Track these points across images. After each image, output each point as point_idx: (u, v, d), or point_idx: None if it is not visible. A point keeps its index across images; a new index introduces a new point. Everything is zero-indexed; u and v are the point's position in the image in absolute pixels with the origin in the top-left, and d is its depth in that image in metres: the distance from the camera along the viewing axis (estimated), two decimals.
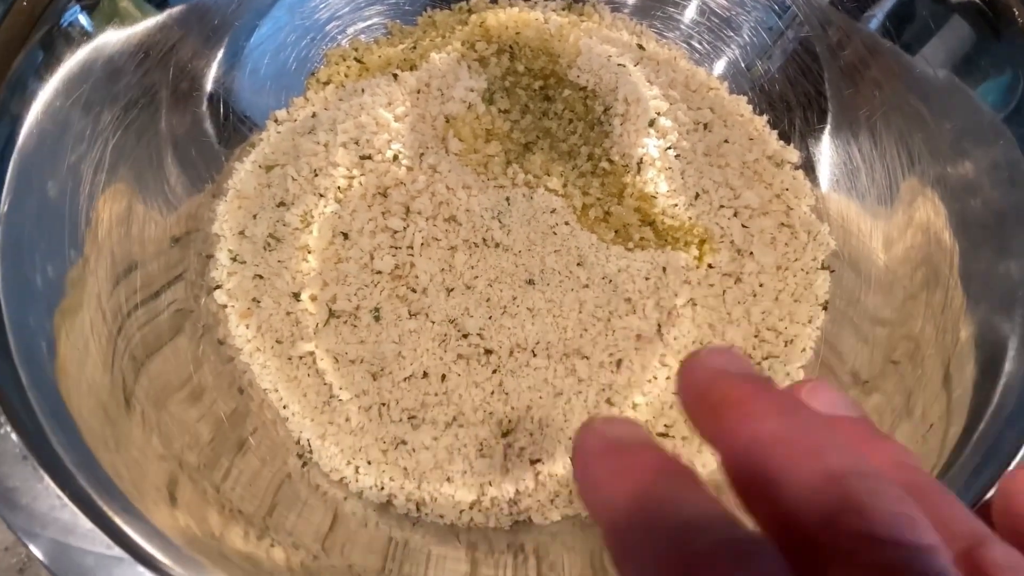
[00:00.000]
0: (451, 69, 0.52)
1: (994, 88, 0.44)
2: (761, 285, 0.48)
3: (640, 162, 0.49)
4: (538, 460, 0.43)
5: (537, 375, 0.44)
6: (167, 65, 0.46)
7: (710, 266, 0.48)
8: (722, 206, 0.49)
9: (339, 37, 0.55)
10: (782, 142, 0.53)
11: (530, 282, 0.45)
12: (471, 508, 0.43)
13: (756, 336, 0.47)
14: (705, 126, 0.52)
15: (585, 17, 0.57)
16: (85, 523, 0.29)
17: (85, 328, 0.38)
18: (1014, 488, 0.19)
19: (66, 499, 0.30)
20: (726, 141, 0.51)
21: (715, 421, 0.17)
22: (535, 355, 0.44)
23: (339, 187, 0.47)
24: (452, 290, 0.45)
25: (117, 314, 0.40)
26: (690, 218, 0.49)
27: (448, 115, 0.50)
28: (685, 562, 0.14)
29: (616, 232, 0.48)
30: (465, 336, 0.44)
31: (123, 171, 0.43)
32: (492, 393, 0.44)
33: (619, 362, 0.45)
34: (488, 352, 0.44)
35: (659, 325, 0.46)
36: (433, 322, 0.44)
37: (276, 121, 0.52)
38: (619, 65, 0.52)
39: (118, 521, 0.31)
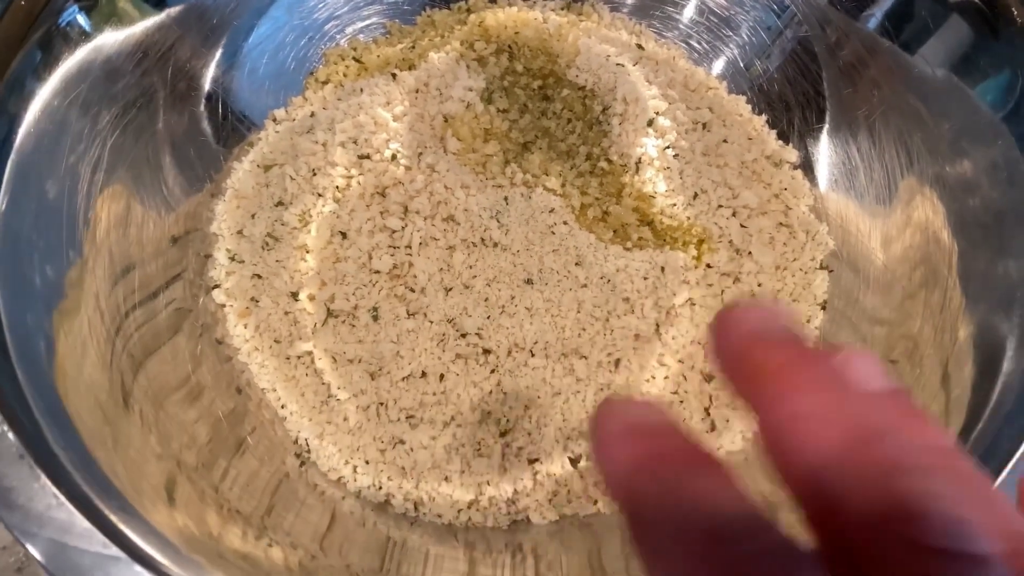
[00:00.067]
0: (450, 69, 0.52)
1: (993, 87, 0.44)
2: (760, 285, 0.48)
3: (639, 162, 0.49)
4: (536, 460, 0.43)
5: (535, 375, 0.44)
6: (165, 65, 0.46)
7: (708, 266, 0.48)
8: (720, 206, 0.49)
9: (338, 37, 0.55)
10: (781, 142, 0.53)
11: (528, 282, 0.45)
12: (469, 508, 0.43)
13: None
14: (704, 126, 0.52)
15: (584, 17, 0.57)
16: (82, 522, 0.29)
17: (83, 328, 0.38)
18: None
19: (63, 498, 0.30)
20: (725, 141, 0.51)
21: (752, 389, 0.16)
22: (533, 355, 0.44)
23: (337, 186, 0.47)
24: (450, 290, 0.45)
25: (115, 314, 0.40)
26: (688, 218, 0.49)
27: (447, 115, 0.50)
28: (721, 571, 0.14)
29: (614, 232, 0.48)
30: (463, 336, 0.44)
31: (121, 171, 0.43)
32: (490, 393, 0.44)
33: (617, 362, 0.45)
34: (486, 352, 0.44)
35: (657, 325, 0.46)
36: (431, 322, 0.44)
37: (275, 120, 0.52)
38: (618, 65, 0.52)
39: (115, 520, 0.31)
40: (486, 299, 0.45)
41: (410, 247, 0.46)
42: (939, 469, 0.14)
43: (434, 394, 0.44)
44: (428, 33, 0.55)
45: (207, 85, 0.49)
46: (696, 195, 0.49)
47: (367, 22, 0.55)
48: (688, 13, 0.56)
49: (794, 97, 0.53)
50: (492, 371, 0.44)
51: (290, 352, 0.45)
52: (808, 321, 0.48)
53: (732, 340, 0.17)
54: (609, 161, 0.50)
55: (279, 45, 0.52)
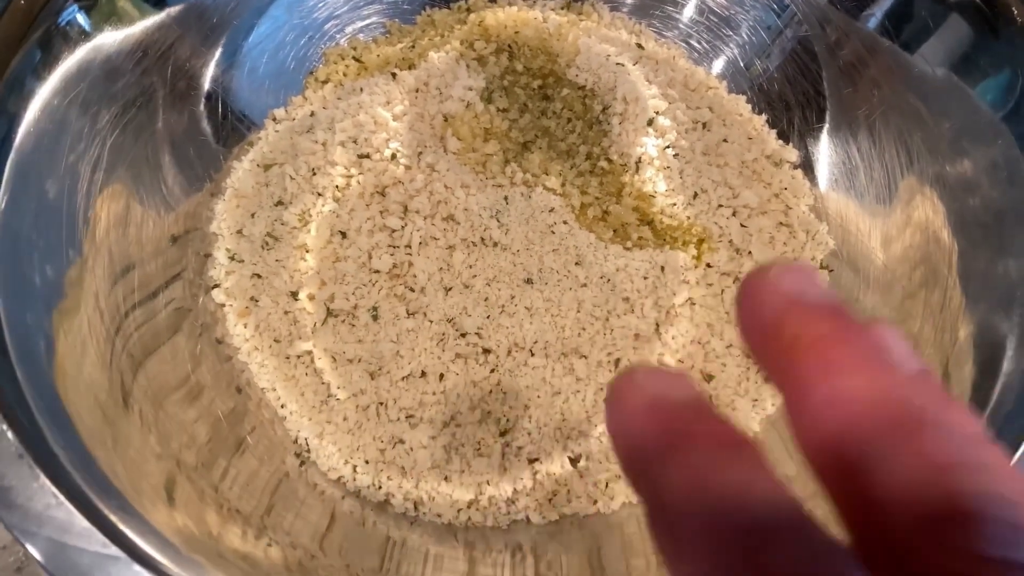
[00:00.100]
0: (450, 68, 0.52)
1: (993, 87, 0.44)
2: None
3: (639, 161, 0.49)
4: (536, 459, 0.43)
5: (535, 374, 0.44)
6: (165, 64, 0.46)
7: (708, 265, 0.48)
8: (720, 205, 0.49)
9: (338, 36, 0.55)
10: (781, 141, 0.53)
11: (528, 281, 0.45)
12: (469, 507, 0.43)
13: None
14: (704, 125, 0.52)
15: (584, 16, 0.57)
16: (81, 522, 0.29)
17: (83, 327, 0.38)
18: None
19: (62, 498, 0.30)
20: (725, 140, 0.51)
21: (785, 365, 0.15)
22: (533, 354, 0.44)
23: (337, 186, 0.47)
24: (450, 289, 0.45)
25: (115, 313, 0.40)
26: (688, 217, 0.49)
27: (446, 114, 0.50)
28: (757, 573, 0.12)
29: (614, 231, 0.48)
30: (463, 335, 0.44)
31: (121, 170, 0.43)
32: (490, 392, 0.44)
33: (617, 361, 0.45)
34: (486, 351, 0.44)
35: (657, 324, 0.46)
36: (431, 321, 0.44)
37: (274, 120, 0.52)
38: (618, 64, 0.52)
39: (115, 520, 0.31)
40: (486, 299, 0.45)
41: (410, 246, 0.46)
42: (990, 467, 0.13)
43: (434, 394, 0.44)
44: (428, 32, 0.55)
45: (207, 84, 0.49)
46: (696, 195, 0.49)
47: (367, 21, 0.55)
48: (688, 12, 0.56)
49: (794, 97, 0.53)
50: (492, 371, 0.44)
51: (290, 352, 0.45)
52: None
53: (764, 306, 0.15)
54: (609, 160, 0.50)
55: (279, 44, 0.52)
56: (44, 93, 0.39)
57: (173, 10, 0.46)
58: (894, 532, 0.12)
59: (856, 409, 0.13)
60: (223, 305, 0.47)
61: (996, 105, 0.43)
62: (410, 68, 0.52)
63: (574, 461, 0.43)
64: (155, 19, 0.45)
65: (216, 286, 0.47)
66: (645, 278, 0.46)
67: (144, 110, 0.45)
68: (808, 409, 0.14)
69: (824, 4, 0.51)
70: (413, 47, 0.54)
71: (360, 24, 0.55)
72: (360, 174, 0.47)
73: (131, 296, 0.42)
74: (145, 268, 0.43)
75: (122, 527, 0.31)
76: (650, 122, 0.50)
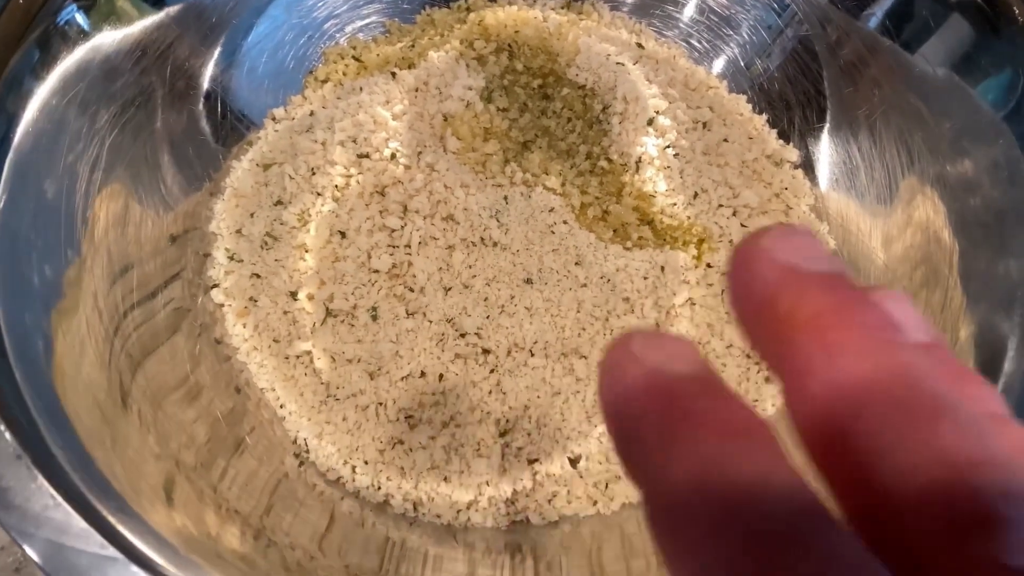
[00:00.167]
0: (449, 67, 0.51)
1: (994, 86, 0.44)
2: None
3: (639, 161, 0.49)
4: (536, 460, 0.43)
5: (535, 374, 0.44)
6: (164, 64, 0.46)
7: (709, 265, 0.48)
8: (721, 205, 0.49)
9: (337, 35, 0.55)
10: (781, 141, 0.53)
11: (528, 281, 0.45)
12: (468, 508, 0.43)
13: None
14: (704, 125, 0.51)
15: (584, 15, 0.57)
16: (79, 523, 0.29)
17: (82, 327, 0.38)
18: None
19: (60, 499, 0.29)
20: (725, 140, 0.51)
21: (780, 346, 0.13)
22: (533, 354, 0.44)
23: (337, 186, 0.47)
24: (450, 289, 0.45)
25: (114, 313, 0.40)
26: (689, 217, 0.49)
27: (446, 113, 0.50)
28: None
29: (614, 231, 0.48)
30: (463, 335, 0.44)
31: (120, 170, 0.43)
32: (490, 393, 0.44)
33: None
34: (486, 352, 0.44)
35: (657, 324, 0.45)
36: (431, 321, 0.44)
37: (274, 119, 0.52)
38: (618, 64, 0.52)
39: (113, 521, 0.31)
40: (485, 299, 0.45)
41: (409, 246, 0.46)
42: (1014, 459, 0.11)
43: (433, 394, 0.44)
44: (428, 32, 0.55)
45: (206, 84, 0.49)
46: (696, 194, 0.49)
47: (366, 21, 0.55)
48: (688, 12, 0.56)
49: (795, 96, 0.53)
50: (491, 371, 0.44)
51: (289, 352, 0.45)
52: None
53: (757, 277, 0.13)
54: (609, 160, 0.50)
55: (278, 44, 0.52)
56: (43, 93, 0.39)
57: (172, 9, 0.46)
58: (908, 538, 0.11)
59: (859, 395, 0.12)
60: (222, 305, 0.47)
61: (997, 105, 0.43)
62: (410, 67, 0.52)
63: (574, 462, 0.43)
64: (154, 19, 0.45)
65: (215, 286, 0.47)
66: (645, 278, 0.46)
67: (143, 110, 0.44)
68: (807, 396, 0.12)
69: (825, 3, 0.51)
70: (413, 46, 0.54)
71: (360, 23, 0.55)
72: (359, 174, 0.47)
73: (130, 296, 0.42)
74: (144, 268, 0.43)
75: (120, 528, 0.31)
76: (650, 122, 0.50)
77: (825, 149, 0.52)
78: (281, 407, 0.45)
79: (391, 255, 0.45)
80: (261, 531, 0.37)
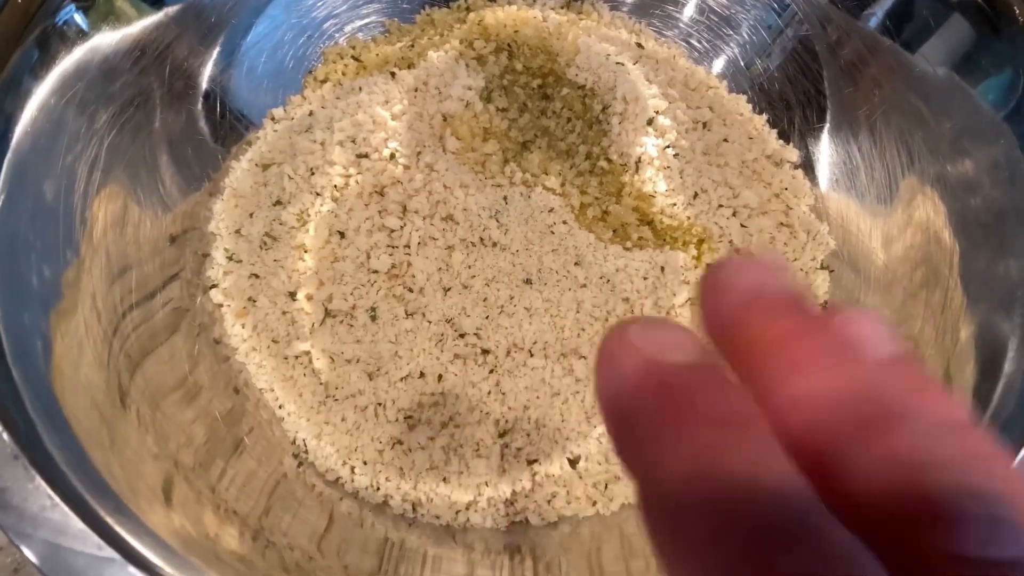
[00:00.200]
0: (449, 67, 0.51)
1: (994, 86, 0.44)
2: None
3: (638, 161, 0.49)
4: (535, 460, 0.43)
5: (534, 375, 0.44)
6: (163, 64, 0.46)
7: (708, 266, 0.48)
8: (721, 205, 0.49)
9: (337, 35, 0.54)
10: (781, 141, 0.53)
11: (527, 281, 0.45)
12: (467, 509, 0.43)
13: None
14: (704, 125, 0.51)
15: (584, 15, 0.57)
16: (76, 523, 0.29)
17: (80, 328, 0.38)
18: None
19: (57, 499, 0.29)
20: (725, 140, 0.51)
21: (750, 365, 0.14)
22: (532, 355, 0.44)
23: (336, 186, 0.47)
24: (449, 289, 0.45)
25: (113, 314, 0.40)
26: (688, 217, 0.48)
27: (446, 113, 0.50)
28: None
29: (614, 231, 0.48)
30: (462, 336, 0.44)
31: (118, 170, 0.43)
32: (489, 393, 0.44)
33: None
34: (485, 352, 0.44)
35: None
36: (430, 322, 0.44)
37: (273, 119, 0.52)
38: (618, 64, 0.52)
39: (111, 522, 0.30)
40: (485, 299, 0.45)
41: (408, 247, 0.45)
42: (968, 459, 0.12)
43: (432, 394, 0.43)
44: (427, 32, 0.55)
45: (205, 84, 0.49)
46: (696, 195, 0.49)
47: (366, 20, 0.55)
48: (688, 12, 0.56)
49: (795, 96, 0.53)
50: (491, 371, 0.44)
51: (288, 352, 0.45)
52: None
53: (723, 304, 0.14)
54: (609, 160, 0.50)
55: (277, 43, 0.52)
56: (41, 93, 0.39)
57: (171, 9, 0.46)
58: (871, 536, 0.12)
59: (821, 409, 0.13)
60: (221, 305, 0.47)
61: (997, 105, 0.43)
62: (409, 67, 0.52)
63: (573, 462, 0.43)
64: (153, 19, 0.45)
65: (214, 286, 0.47)
66: (645, 278, 0.46)
67: (142, 110, 0.44)
68: (772, 413, 0.13)
69: (825, 3, 0.51)
70: (412, 46, 0.54)
71: (359, 23, 0.55)
72: (359, 174, 0.47)
73: (128, 296, 0.42)
74: (143, 268, 0.43)
75: (118, 529, 0.30)
76: (650, 122, 0.50)
77: (825, 149, 0.52)
78: (280, 407, 0.45)
79: (390, 255, 0.45)
80: (260, 532, 0.37)
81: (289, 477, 0.42)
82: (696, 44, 0.56)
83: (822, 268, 0.49)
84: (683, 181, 0.49)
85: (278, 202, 0.47)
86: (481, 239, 0.46)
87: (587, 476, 0.43)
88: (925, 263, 0.45)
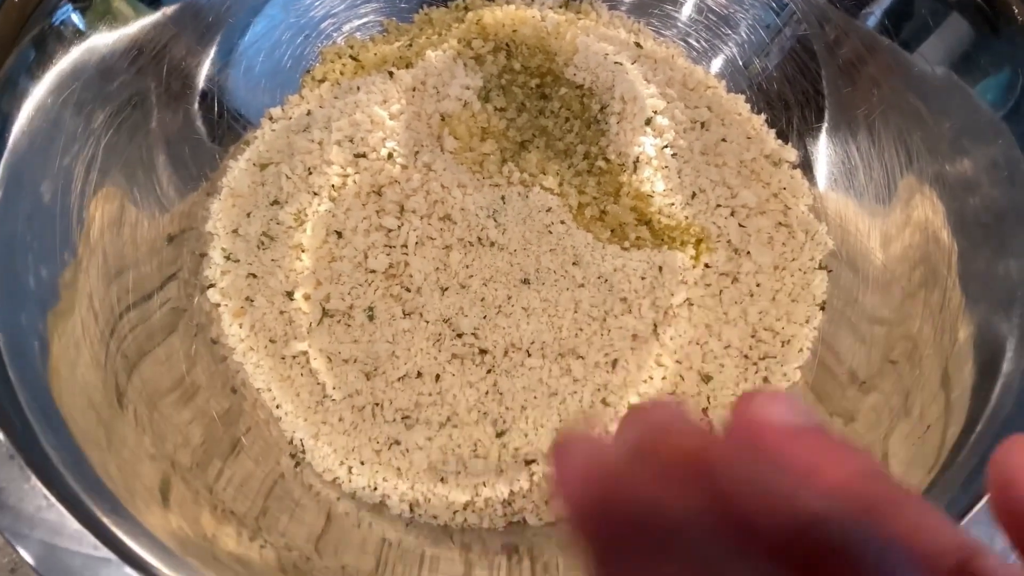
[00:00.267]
0: (447, 67, 0.51)
1: (993, 86, 0.43)
2: (758, 285, 0.47)
3: (636, 161, 0.49)
4: (533, 460, 0.43)
5: (532, 375, 0.44)
6: (160, 64, 0.46)
7: (707, 266, 0.48)
8: (719, 205, 0.49)
9: (334, 35, 0.54)
10: (780, 141, 0.52)
11: (525, 281, 0.45)
12: (465, 509, 0.43)
13: (753, 336, 0.47)
14: (702, 124, 0.51)
15: (582, 15, 0.56)
16: (73, 524, 0.29)
17: (77, 329, 0.38)
18: (1014, 461, 0.17)
19: (53, 499, 0.29)
20: (723, 140, 0.51)
21: (674, 480, 0.16)
22: (530, 355, 0.44)
23: (333, 185, 0.47)
24: (447, 289, 0.45)
25: (110, 314, 0.40)
26: (687, 217, 0.48)
27: (444, 113, 0.50)
28: None
29: (612, 231, 0.48)
30: (459, 336, 0.44)
31: (115, 171, 0.43)
32: (486, 393, 0.44)
33: (615, 362, 0.44)
34: (483, 352, 0.44)
35: (655, 325, 0.45)
36: (427, 321, 0.44)
37: (271, 119, 0.52)
38: (616, 63, 0.52)
39: (107, 522, 0.30)
40: (482, 299, 0.45)
41: (406, 246, 0.45)
42: (861, 486, 0.15)
43: (430, 394, 0.43)
44: (425, 31, 0.55)
45: (202, 84, 0.49)
46: (694, 194, 0.49)
47: (364, 20, 0.55)
48: (687, 11, 0.56)
49: (793, 96, 0.53)
50: (488, 371, 0.44)
51: (285, 352, 0.45)
52: (807, 322, 0.47)
53: (643, 435, 0.17)
54: (607, 160, 0.50)
55: (275, 43, 0.52)
56: (38, 93, 0.39)
57: (168, 9, 0.46)
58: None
59: (738, 495, 0.15)
60: (218, 305, 0.47)
61: (996, 104, 0.43)
62: (407, 67, 0.52)
63: None
64: (150, 18, 0.45)
65: (211, 286, 0.47)
66: (643, 278, 0.46)
67: (139, 110, 0.44)
68: (699, 510, 0.15)
69: (823, 2, 0.51)
70: (410, 46, 0.54)
71: (357, 23, 0.55)
72: (356, 173, 0.47)
73: (126, 297, 0.41)
74: (140, 269, 0.43)
75: (114, 529, 0.30)
76: (648, 121, 0.50)
77: (824, 149, 0.52)
78: (277, 407, 0.45)
79: (388, 255, 0.45)
80: (257, 532, 0.37)
81: (286, 477, 0.42)
82: (694, 43, 0.56)
83: (820, 268, 0.49)
84: (681, 181, 0.49)
85: (276, 202, 0.47)
86: (479, 239, 0.46)
87: None
88: (924, 263, 0.45)
